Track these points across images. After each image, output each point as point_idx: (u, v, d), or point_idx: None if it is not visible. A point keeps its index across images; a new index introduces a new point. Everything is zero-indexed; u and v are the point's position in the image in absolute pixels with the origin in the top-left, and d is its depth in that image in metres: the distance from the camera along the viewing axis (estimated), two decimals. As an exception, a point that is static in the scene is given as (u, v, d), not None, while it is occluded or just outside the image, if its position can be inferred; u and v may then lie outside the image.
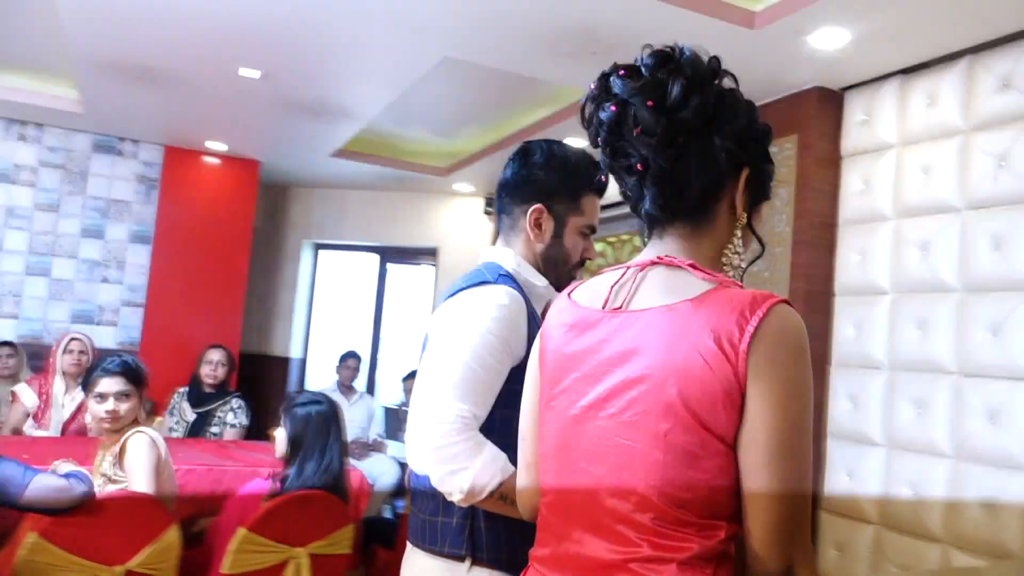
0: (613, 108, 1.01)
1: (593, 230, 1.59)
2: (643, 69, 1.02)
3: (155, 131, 5.62)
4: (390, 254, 7.28)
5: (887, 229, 3.31)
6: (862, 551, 3.19)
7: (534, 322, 1.44)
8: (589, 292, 1.10)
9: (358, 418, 5.22)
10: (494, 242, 1.61)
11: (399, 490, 4.80)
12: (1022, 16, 2.80)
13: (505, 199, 1.59)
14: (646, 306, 1.00)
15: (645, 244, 1.11)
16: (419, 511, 1.48)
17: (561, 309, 1.11)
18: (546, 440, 1.08)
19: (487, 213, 6.65)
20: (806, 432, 0.92)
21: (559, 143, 1.60)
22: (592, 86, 1.06)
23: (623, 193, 1.10)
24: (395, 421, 5.76)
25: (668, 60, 1.02)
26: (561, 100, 4.51)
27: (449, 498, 1.32)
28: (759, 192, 1.09)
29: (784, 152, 3.73)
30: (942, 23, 2.90)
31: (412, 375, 5.59)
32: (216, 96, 4.66)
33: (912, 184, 3.22)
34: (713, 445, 0.91)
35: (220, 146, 5.87)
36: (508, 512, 1.31)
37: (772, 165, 1.11)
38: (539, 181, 1.54)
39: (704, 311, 0.94)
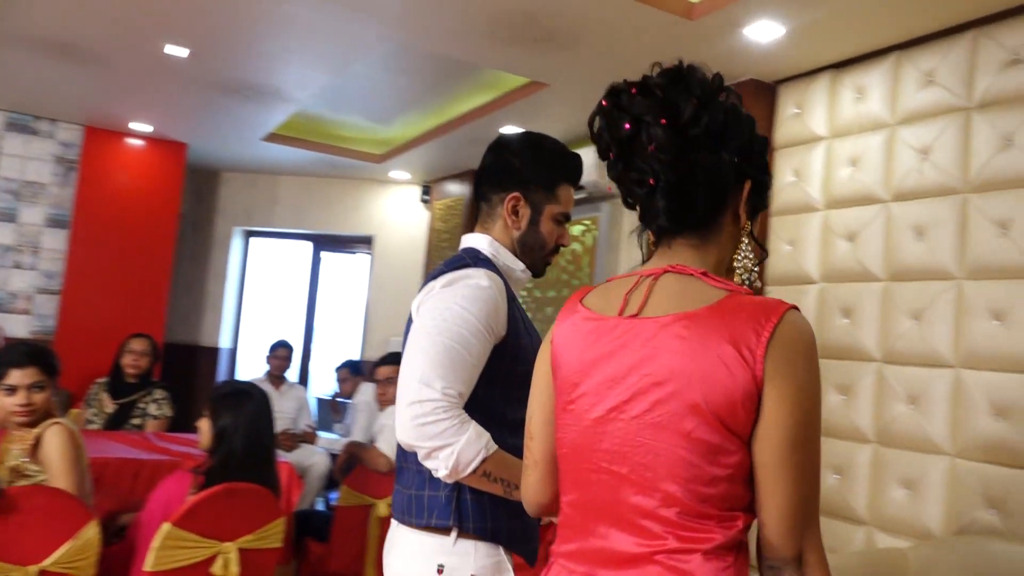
0: (627, 126, 1.07)
1: (568, 218, 1.66)
2: (655, 88, 1.08)
3: (74, 110, 5.36)
4: (324, 242, 7.14)
5: (816, 219, 3.39)
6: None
7: (514, 304, 1.53)
8: (601, 298, 1.14)
9: (288, 409, 5.10)
10: (472, 229, 1.68)
11: (331, 482, 4.72)
12: (946, 15, 2.89)
13: (483, 187, 1.65)
14: (662, 312, 1.04)
15: (643, 250, 1.18)
16: (405, 487, 1.53)
17: (574, 315, 1.14)
18: (566, 441, 1.11)
19: (424, 201, 6.58)
20: (816, 428, 0.98)
21: (537, 134, 1.67)
22: (603, 102, 1.11)
23: (627, 202, 1.16)
24: (328, 412, 5.65)
25: (679, 79, 1.08)
26: (500, 87, 4.47)
27: (435, 474, 1.39)
28: (759, 202, 1.15)
29: (719, 143, 3.78)
30: (872, 20, 2.97)
31: (346, 365, 5.49)
32: (140, 74, 4.47)
33: (841, 175, 3.30)
34: (733, 442, 0.98)
35: (145, 127, 5.65)
36: (491, 489, 1.39)
37: (771, 176, 1.19)
38: (517, 170, 1.61)
39: (722, 318, 0.99)
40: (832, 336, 3.22)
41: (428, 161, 5.92)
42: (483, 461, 1.37)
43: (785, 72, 3.57)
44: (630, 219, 4.63)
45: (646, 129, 1.06)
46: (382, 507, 3.45)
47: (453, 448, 1.35)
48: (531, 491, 1.22)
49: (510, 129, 4.87)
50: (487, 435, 1.39)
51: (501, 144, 1.66)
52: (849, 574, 2.52)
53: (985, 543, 2.53)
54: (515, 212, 1.61)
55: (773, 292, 3.54)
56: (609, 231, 4.65)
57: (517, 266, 1.62)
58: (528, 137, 1.66)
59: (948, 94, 2.94)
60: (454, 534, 1.43)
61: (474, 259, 1.55)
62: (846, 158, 3.29)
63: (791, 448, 0.96)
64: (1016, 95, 2.74)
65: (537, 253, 1.64)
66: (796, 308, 1.00)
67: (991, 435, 2.64)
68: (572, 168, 1.66)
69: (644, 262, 1.17)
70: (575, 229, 4.94)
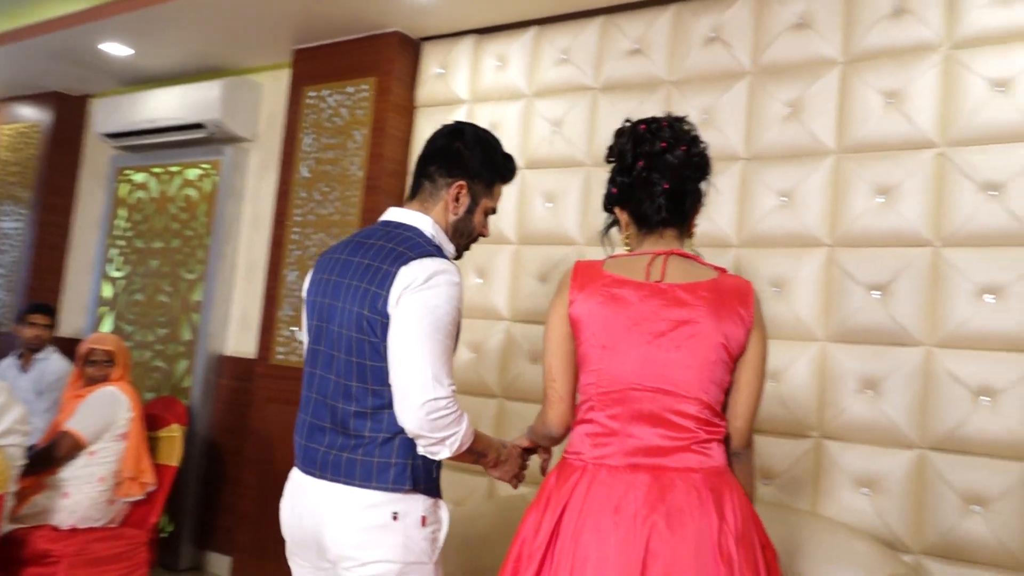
0: (663, 145, 1.57)
1: (495, 211, 1.87)
2: (674, 124, 1.61)
3: None
4: None
5: (455, 181, 3.43)
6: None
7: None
8: (622, 268, 1.57)
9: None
10: (404, 202, 1.84)
11: None
12: (582, -2, 3.11)
13: (432, 167, 1.80)
14: (681, 281, 1.54)
15: (603, 241, 1.71)
16: (336, 450, 1.68)
17: (600, 280, 1.56)
18: (608, 371, 1.52)
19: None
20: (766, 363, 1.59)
21: (488, 132, 1.87)
22: (642, 126, 1.61)
23: (608, 206, 1.68)
24: None
25: (683, 121, 1.62)
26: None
27: (434, 456, 1.64)
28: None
29: (360, 94, 3.63)
30: (519, -12, 3.07)
31: None
32: None
33: (480, 140, 3.38)
34: (732, 367, 1.55)
35: None
36: (466, 459, 1.71)
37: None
38: (467, 161, 1.78)
39: (726, 288, 1.55)
40: (467, 296, 3.29)
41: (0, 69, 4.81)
42: (471, 442, 1.67)
43: (431, 30, 3.55)
44: (257, 165, 4.26)
45: (671, 150, 1.57)
46: None
47: (457, 435, 1.62)
48: (560, 419, 1.61)
49: (112, 47, 4.16)
50: (467, 416, 1.66)
51: (456, 132, 1.82)
52: (481, 521, 2.59)
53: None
54: (457, 199, 1.78)
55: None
56: (232, 176, 4.22)
57: (449, 248, 1.80)
58: (479, 133, 1.84)
59: (579, 73, 3.17)
60: (408, 491, 1.65)
61: (431, 245, 1.71)
62: (487, 123, 3.37)
63: (759, 375, 1.56)
64: (634, 81, 3.05)
65: (464, 239, 1.84)
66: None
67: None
68: (511, 170, 1.87)
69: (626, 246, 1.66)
70: (191, 173, 4.40)
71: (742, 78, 2.83)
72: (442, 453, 1.62)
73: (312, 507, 1.69)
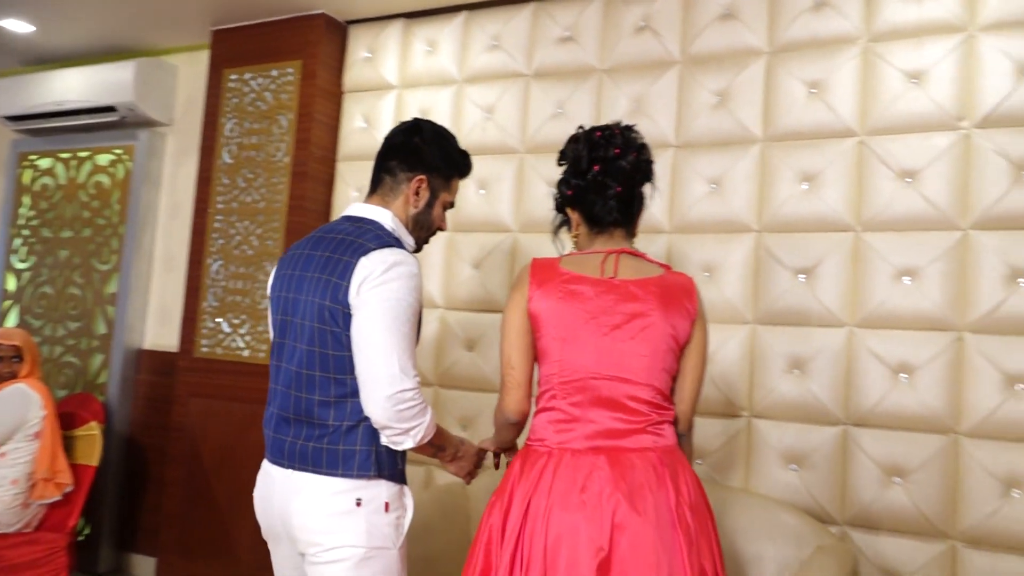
0: (617, 151, 1.72)
1: (452, 205, 1.95)
2: (626, 131, 1.77)
3: None
4: None
5: (386, 168, 3.38)
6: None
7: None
8: (577, 266, 1.70)
9: None
10: (365, 198, 1.90)
11: None
12: (513, -16, 3.10)
13: (392, 162, 1.86)
14: (632, 277, 1.69)
15: (556, 238, 1.87)
16: (303, 440, 1.72)
17: (558, 277, 1.68)
18: (569, 361, 1.63)
19: None
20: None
21: (443, 128, 1.95)
22: (598, 133, 1.75)
23: (561, 207, 1.82)
24: None
25: (632, 128, 1.78)
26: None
27: (397, 446, 1.68)
28: None
29: (285, 78, 3.53)
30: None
31: None
32: None
33: (411, 126, 3.33)
34: (679, 356, 1.69)
35: None
36: (425, 452, 1.74)
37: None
38: (426, 156, 1.85)
39: (673, 284, 1.70)
40: (398, 283, 3.26)
41: None
42: (433, 434, 1.71)
43: (358, 13, 3.48)
44: (174, 151, 4.09)
45: (624, 156, 1.72)
46: None
47: (421, 426, 1.66)
48: (517, 404, 1.70)
49: (12, 23, 3.92)
50: (431, 409, 1.71)
51: (414, 128, 1.90)
52: (419, 511, 2.57)
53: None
54: (417, 192, 1.84)
55: (339, 239, 3.45)
56: (147, 163, 4.04)
57: (409, 241, 1.85)
58: (436, 129, 1.93)
59: (511, 60, 3.17)
60: (374, 478, 1.69)
61: (388, 236, 1.76)
62: (417, 109, 3.34)
63: (702, 361, 1.73)
64: (566, 69, 3.06)
65: (424, 232, 1.90)
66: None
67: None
68: (467, 165, 1.95)
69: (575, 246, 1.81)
70: (102, 158, 4.19)
71: (672, 67, 2.88)
72: (405, 444, 1.67)
73: (280, 496, 1.74)
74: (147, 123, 4.07)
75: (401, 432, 1.64)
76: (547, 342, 1.65)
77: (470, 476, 1.91)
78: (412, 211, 1.84)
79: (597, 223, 1.74)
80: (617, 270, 1.68)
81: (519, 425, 1.74)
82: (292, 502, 1.71)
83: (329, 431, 1.70)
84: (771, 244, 2.64)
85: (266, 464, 1.82)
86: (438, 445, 1.78)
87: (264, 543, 3.20)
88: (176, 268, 3.96)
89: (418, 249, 1.90)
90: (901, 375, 2.41)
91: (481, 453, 1.91)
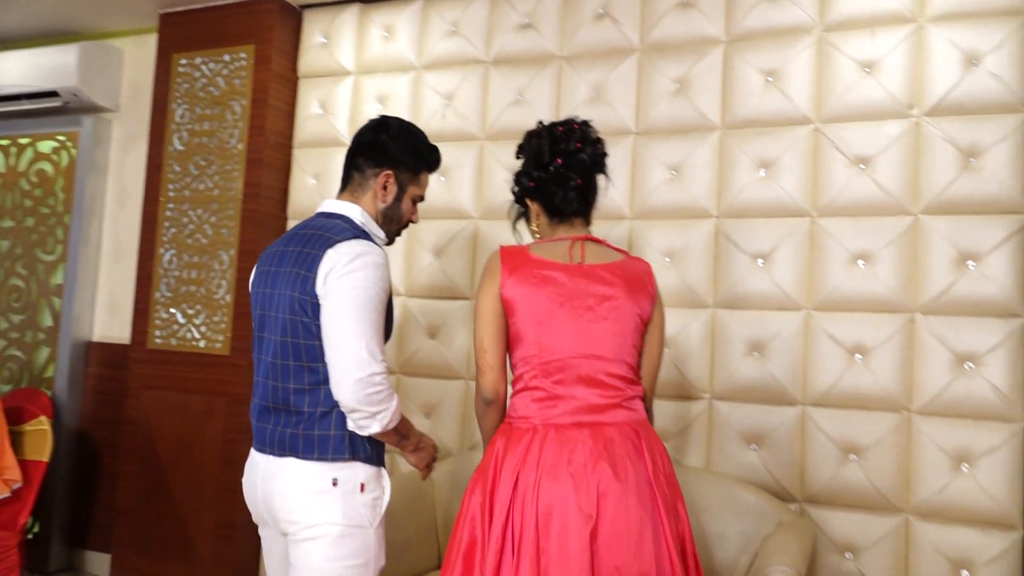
0: (578, 145, 1.83)
1: (422, 199, 2.00)
2: (585, 126, 1.86)
3: None
4: None
5: (343, 154, 3.32)
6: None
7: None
8: (546, 252, 1.80)
9: None
10: (337, 195, 1.95)
11: None
12: (472, -31, 3.07)
13: (359, 159, 1.92)
14: (598, 262, 1.79)
15: (514, 226, 1.95)
16: (281, 427, 1.79)
17: (530, 263, 1.76)
18: (548, 342, 1.72)
19: None
20: None
21: (411, 123, 2.00)
22: (560, 128, 1.85)
23: (521, 199, 1.90)
24: None
25: (588, 123, 1.88)
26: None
27: (363, 431, 1.73)
28: None
29: (238, 63, 3.46)
30: (408, -43, 3.00)
31: None
32: None
33: (370, 112, 3.29)
34: (643, 335, 1.81)
35: None
36: (389, 438, 1.79)
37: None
38: (393, 152, 1.91)
39: (635, 268, 1.82)
40: (358, 272, 3.23)
41: None
42: (399, 422, 1.77)
43: (313, -3, 3.42)
44: (122, 137, 3.98)
45: (584, 150, 1.83)
46: None
47: (388, 411, 1.72)
48: (493, 385, 1.77)
49: (-51, 4, 3.74)
50: (397, 396, 1.77)
51: (381, 125, 1.95)
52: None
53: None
54: (384, 187, 1.90)
55: (292, 220, 3.40)
56: (93, 150, 3.91)
57: (379, 234, 1.91)
58: (403, 125, 1.97)
59: (469, 46, 3.15)
60: (348, 460, 1.75)
61: (356, 229, 1.82)
62: (374, 95, 3.30)
63: (662, 338, 1.86)
64: (526, 56, 3.06)
65: (394, 225, 1.95)
66: None
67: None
68: (435, 159, 2.00)
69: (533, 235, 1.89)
70: (44, 145, 4.05)
71: (631, 55, 2.91)
72: (371, 428, 1.71)
73: (262, 481, 1.81)
74: (92, 109, 3.94)
75: (368, 416, 1.69)
76: (522, 326, 1.72)
77: (428, 469, 1.98)
78: (381, 205, 1.91)
79: (558, 213, 1.84)
80: (584, 256, 1.79)
81: (498, 405, 1.80)
82: (273, 485, 1.78)
83: (304, 418, 1.75)
84: (730, 229, 2.69)
85: (252, 452, 1.89)
86: (403, 433, 1.83)
87: (222, 536, 3.19)
88: (126, 258, 3.85)
89: (390, 242, 1.96)
90: (856, 356, 2.49)
91: (435, 448, 1.99)
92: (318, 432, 1.75)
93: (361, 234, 1.80)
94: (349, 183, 1.93)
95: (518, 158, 1.91)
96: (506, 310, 1.74)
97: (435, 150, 2.01)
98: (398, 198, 1.92)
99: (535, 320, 1.71)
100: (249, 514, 3.32)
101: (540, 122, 1.90)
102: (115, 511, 3.47)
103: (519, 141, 1.95)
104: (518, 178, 1.89)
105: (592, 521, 1.57)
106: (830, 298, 2.54)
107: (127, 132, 3.96)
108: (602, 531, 1.57)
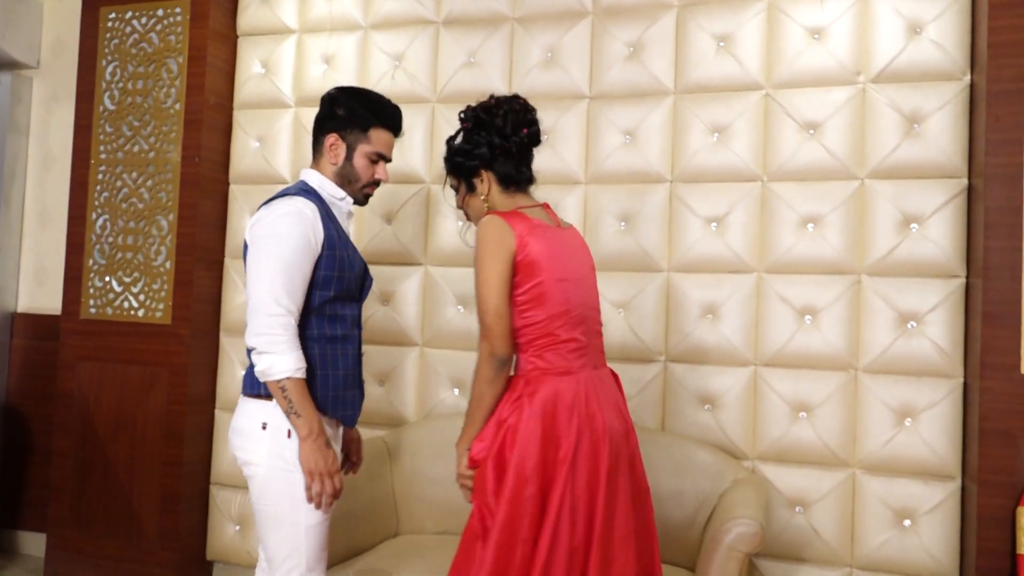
0: (533, 118, 1.96)
1: (382, 157, 2.04)
2: (525, 103, 1.96)
3: None
4: None
5: (288, 116, 3.23)
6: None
7: (333, 224, 1.95)
8: (537, 216, 1.90)
9: None
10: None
11: None
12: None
13: (315, 129, 2.05)
14: (564, 225, 2.01)
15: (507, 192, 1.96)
16: (247, 367, 1.93)
17: (535, 224, 1.85)
18: (561, 300, 1.83)
19: None
20: None
21: (363, 88, 2.12)
22: (520, 101, 1.95)
23: (489, 160, 1.92)
24: None
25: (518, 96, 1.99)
26: None
27: (257, 372, 1.84)
28: None
29: (172, 18, 3.29)
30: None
31: None
32: None
33: (315, 72, 3.19)
34: None
35: None
36: (280, 400, 1.82)
37: None
38: (336, 116, 2.01)
39: (579, 236, 2.06)
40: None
41: None
42: (284, 378, 1.79)
43: (252, -49, 3.27)
44: (44, 96, 3.76)
45: (537, 124, 1.96)
46: None
47: (273, 358, 1.79)
48: (509, 348, 1.82)
49: None
50: (303, 365, 1.82)
51: (329, 96, 2.06)
52: (359, 493, 2.53)
53: (449, 421, 2.80)
54: (332, 150, 2.01)
55: (239, 192, 3.29)
56: (13, 109, 3.68)
57: (338, 194, 2.01)
58: (352, 89, 2.11)
59: (419, 5, 3.07)
60: (274, 401, 1.84)
61: (298, 190, 1.95)
62: (319, 55, 3.20)
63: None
64: (477, 17, 3.00)
65: (355, 185, 2.03)
66: None
67: (455, 326, 2.94)
68: (386, 115, 2.04)
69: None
70: (-43, 103, 3.78)
71: (584, 17, 2.88)
72: (259, 367, 1.81)
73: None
74: (9, 65, 3.70)
75: (257, 354, 1.81)
76: (547, 285, 1.81)
77: (312, 477, 1.81)
78: (332, 167, 2.02)
79: (515, 183, 1.93)
80: (556, 220, 1.98)
81: (510, 365, 1.85)
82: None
83: (250, 357, 1.90)
84: (684, 194, 2.72)
85: None
86: (290, 401, 1.80)
87: (168, 511, 3.10)
88: (53, 224, 3.66)
89: (362, 202, 2.08)
90: (806, 317, 2.56)
91: (336, 464, 1.88)
92: (248, 369, 1.93)
93: (303, 194, 1.92)
94: (314, 154, 2.07)
95: (466, 127, 1.93)
96: (527, 271, 1.80)
97: (387, 106, 2.06)
98: (348, 158, 2.01)
99: (558, 277, 1.83)
100: (196, 488, 3.34)
101: (492, 95, 1.96)
102: (50, 488, 3.33)
103: (472, 104, 1.93)
104: (473, 148, 1.90)
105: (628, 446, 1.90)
106: (781, 261, 2.60)
107: (50, 91, 3.74)
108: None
